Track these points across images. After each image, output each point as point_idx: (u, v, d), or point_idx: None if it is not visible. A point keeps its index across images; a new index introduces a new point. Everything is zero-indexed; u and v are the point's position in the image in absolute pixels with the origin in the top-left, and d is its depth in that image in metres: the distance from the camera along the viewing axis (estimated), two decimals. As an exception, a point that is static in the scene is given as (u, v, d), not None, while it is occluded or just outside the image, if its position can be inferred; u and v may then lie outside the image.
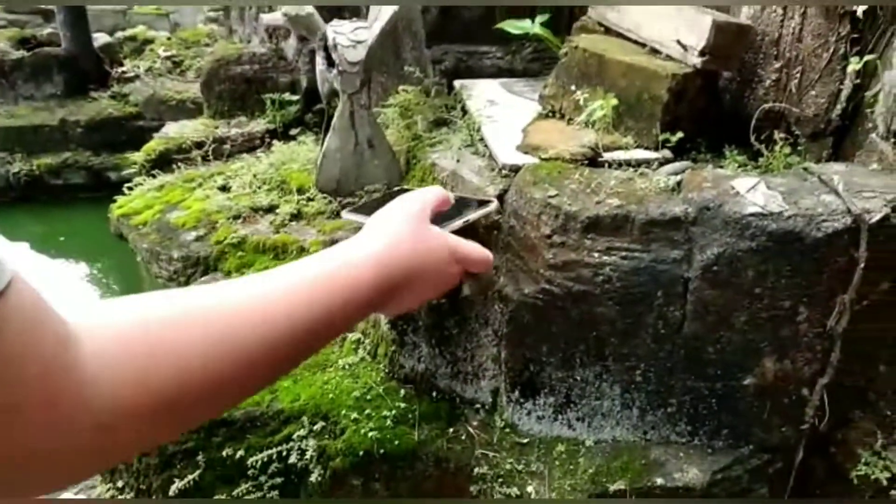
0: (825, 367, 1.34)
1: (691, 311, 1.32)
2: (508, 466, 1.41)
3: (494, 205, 1.47)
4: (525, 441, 1.46)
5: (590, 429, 1.43)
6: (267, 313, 0.61)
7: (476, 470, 1.41)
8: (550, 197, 1.36)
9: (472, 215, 1.44)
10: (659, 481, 1.36)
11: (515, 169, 1.53)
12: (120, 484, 1.55)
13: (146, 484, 1.53)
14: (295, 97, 2.81)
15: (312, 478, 1.42)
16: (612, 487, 1.36)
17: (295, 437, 1.45)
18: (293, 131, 2.73)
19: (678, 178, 1.39)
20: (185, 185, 2.33)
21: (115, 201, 2.42)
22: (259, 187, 2.15)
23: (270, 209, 2.04)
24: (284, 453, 1.44)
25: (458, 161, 1.67)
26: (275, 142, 2.50)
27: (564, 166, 1.47)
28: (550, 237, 1.35)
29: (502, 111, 1.85)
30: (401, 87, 2.19)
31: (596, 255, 1.32)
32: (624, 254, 1.31)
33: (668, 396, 1.38)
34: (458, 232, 1.49)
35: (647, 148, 1.58)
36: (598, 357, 1.37)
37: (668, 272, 1.30)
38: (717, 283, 1.29)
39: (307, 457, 1.43)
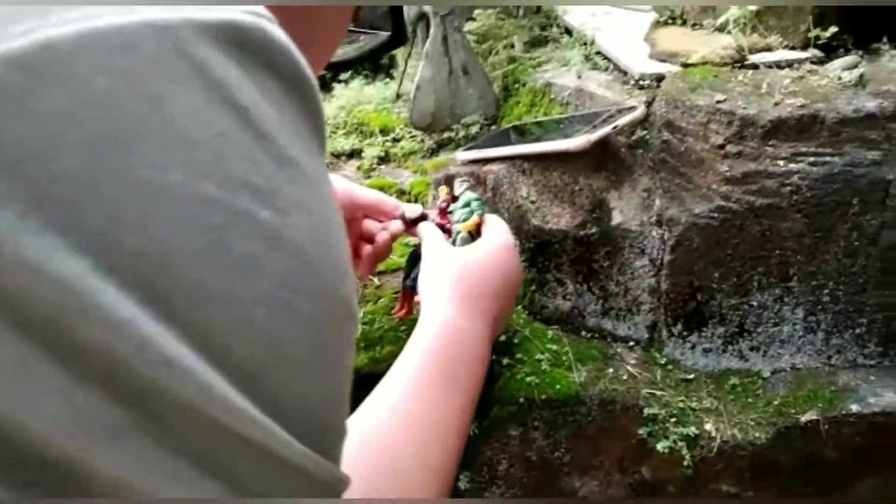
0: None
1: (891, 218, 1.18)
2: (680, 405, 1.29)
3: (642, 109, 1.31)
4: (691, 377, 1.34)
5: (765, 358, 1.31)
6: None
7: (646, 410, 1.28)
8: (719, 102, 1.20)
9: (622, 120, 1.28)
10: (854, 408, 1.24)
11: (657, 78, 1.37)
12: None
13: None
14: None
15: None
16: (803, 419, 1.24)
17: (439, 390, 1.33)
18: (343, 76, 2.53)
19: (858, 72, 1.23)
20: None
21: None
22: (334, 132, 1.98)
23: (353, 154, 1.88)
24: (430, 408, 1.32)
25: (579, 77, 1.50)
26: (334, 85, 2.31)
27: (719, 70, 1.31)
28: (724, 147, 1.20)
29: (610, 23, 1.68)
30: (475, 12, 2.01)
31: (781, 162, 1.17)
32: (812, 159, 1.17)
33: (858, 316, 1.25)
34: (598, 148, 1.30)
35: (793, 48, 1.42)
36: (780, 278, 1.24)
37: (865, 176, 1.16)
38: (923, 184, 1.15)
39: (460, 410, 1.30)
